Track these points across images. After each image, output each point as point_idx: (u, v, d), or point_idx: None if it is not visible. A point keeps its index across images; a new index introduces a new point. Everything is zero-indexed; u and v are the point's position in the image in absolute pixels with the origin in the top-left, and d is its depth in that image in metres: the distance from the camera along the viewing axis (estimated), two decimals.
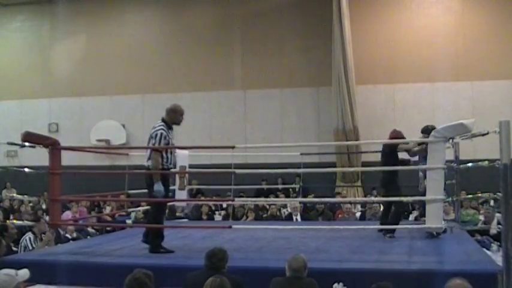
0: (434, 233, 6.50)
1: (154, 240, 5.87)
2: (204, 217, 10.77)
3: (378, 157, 7.47)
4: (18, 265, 3.70)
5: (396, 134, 7.09)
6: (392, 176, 6.86)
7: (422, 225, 6.19)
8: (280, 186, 13.57)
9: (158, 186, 5.82)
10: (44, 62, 16.49)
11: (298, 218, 10.26)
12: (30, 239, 7.25)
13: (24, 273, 3.40)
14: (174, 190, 8.50)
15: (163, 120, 6.08)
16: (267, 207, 11.01)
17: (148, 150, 6.01)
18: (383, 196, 7.47)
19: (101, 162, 14.72)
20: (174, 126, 6.17)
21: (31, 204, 12.33)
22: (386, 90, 14.52)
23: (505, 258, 4.45)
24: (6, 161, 15.94)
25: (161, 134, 5.91)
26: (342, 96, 13.73)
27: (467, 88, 14.10)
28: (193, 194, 12.74)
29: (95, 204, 12.78)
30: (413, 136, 7.66)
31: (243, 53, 15.37)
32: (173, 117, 6.11)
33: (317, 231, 7.26)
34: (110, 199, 11.09)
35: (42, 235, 7.14)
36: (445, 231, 6.54)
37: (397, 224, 6.86)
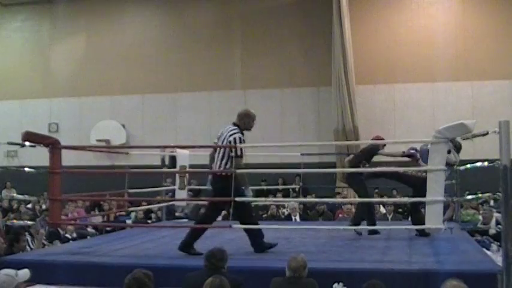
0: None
1: (257, 239, 5.65)
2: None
3: (377, 157, 7.49)
4: (18, 265, 3.70)
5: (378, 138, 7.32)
6: (357, 174, 6.97)
7: (422, 226, 6.17)
8: (280, 187, 13.54)
9: (247, 191, 5.66)
10: (44, 62, 16.49)
11: (297, 218, 10.25)
12: (27, 240, 7.24)
13: (24, 273, 3.40)
14: (174, 190, 8.51)
15: (235, 125, 5.72)
16: (268, 206, 10.98)
17: (221, 153, 5.72)
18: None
19: (101, 162, 14.72)
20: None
21: (29, 205, 12.32)
22: (386, 90, 14.51)
23: (505, 258, 4.44)
24: (6, 161, 15.93)
25: (240, 138, 5.58)
26: (342, 96, 13.74)
27: (467, 88, 14.09)
28: (194, 194, 12.67)
29: (95, 204, 12.76)
30: (412, 136, 7.66)
31: (243, 53, 15.36)
32: (247, 122, 5.76)
33: (317, 231, 7.25)
34: (111, 198, 11.05)
35: (36, 235, 7.15)
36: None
37: (374, 220, 6.94)
